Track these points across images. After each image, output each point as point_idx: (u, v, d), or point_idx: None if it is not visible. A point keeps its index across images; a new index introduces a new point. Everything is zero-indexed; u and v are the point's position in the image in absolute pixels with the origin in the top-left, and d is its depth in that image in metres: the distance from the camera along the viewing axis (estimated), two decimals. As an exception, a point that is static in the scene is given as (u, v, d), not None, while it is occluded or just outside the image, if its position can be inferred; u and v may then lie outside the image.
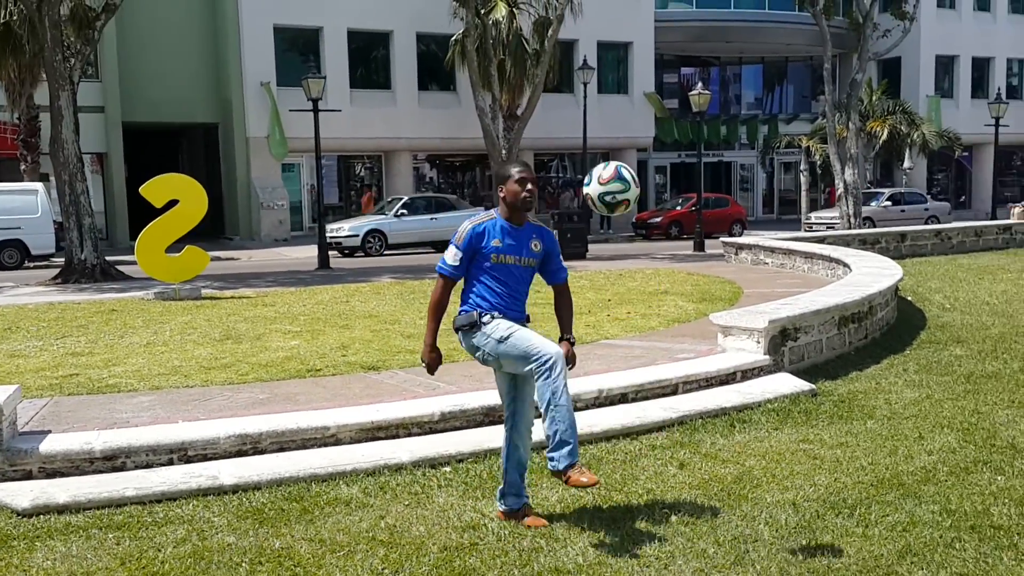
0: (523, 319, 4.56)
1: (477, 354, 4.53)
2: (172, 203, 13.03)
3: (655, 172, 40.63)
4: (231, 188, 31.20)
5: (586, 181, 4.55)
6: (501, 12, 27.03)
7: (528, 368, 4.30)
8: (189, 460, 5.44)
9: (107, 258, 18.65)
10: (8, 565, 4.11)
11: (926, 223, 29.26)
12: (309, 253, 23.04)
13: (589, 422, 6.17)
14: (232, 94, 30.33)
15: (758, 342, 7.68)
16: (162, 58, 29.89)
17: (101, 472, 5.25)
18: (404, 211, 25.92)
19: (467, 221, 4.53)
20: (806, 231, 29.29)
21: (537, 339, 4.34)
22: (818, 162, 34.85)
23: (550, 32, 23.09)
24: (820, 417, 6.59)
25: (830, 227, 28.29)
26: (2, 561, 4.16)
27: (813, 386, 7.30)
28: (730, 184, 42.31)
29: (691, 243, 24.62)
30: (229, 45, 30.26)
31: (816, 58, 38.02)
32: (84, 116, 19.83)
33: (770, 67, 43.01)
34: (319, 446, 5.72)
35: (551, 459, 4.33)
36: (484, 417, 6.18)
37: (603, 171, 4.51)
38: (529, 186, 4.46)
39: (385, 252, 25.20)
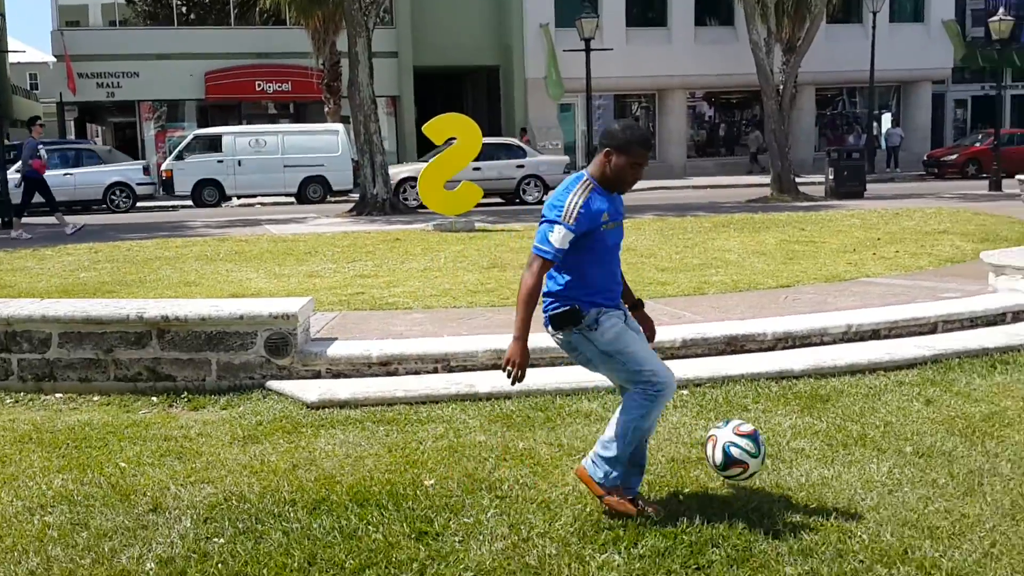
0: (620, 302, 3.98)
1: (575, 355, 3.95)
2: (451, 141, 13.94)
3: (955, 106, 37.67)
4: (510, 128, 32.37)
5: (720, 423, 4.07)
6: (782, -61, 25.94)
7: (629, 388, 3.87)
8: (451, 370, 6.05)
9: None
10: (296, 447, 4.86)
11: (520, 185, 23.05)
12: (581, 191, 23.62)
13: (833, 356, 6.18)
14: (513, 37, 31.32)
15: (1033, 283, 7.23)
16: (449, 5, 31.36)
17: (377, 376, 5.98)
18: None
19: (569, 194, 3.73)
20: None
21: (648, 357, 3.85)
22: None
23: (833, -42, 21.91)
24: (1095, 362, 6.17)
25: None
26: (291, 444, 4.91)
27: (1093, 331, 6.81)
28: (1040, 119, 38.42)
29: (987, 183, 22.82)
30: (511, -12, 31.22)
31: None
32: (379, 61, 21.34)
33: (1097, -13, 38.27)
34: (567, 364, 6.12)
35: (596, 464, 3.92)
36: (726, 346, 6.34)
37: (743, 425, 3.97)
38: (638, 177, 3.82)
39: None
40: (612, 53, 29.07)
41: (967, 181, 27.04)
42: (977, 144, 30.01)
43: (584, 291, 3.82)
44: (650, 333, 4.11)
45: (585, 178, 3.79)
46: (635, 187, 4.04)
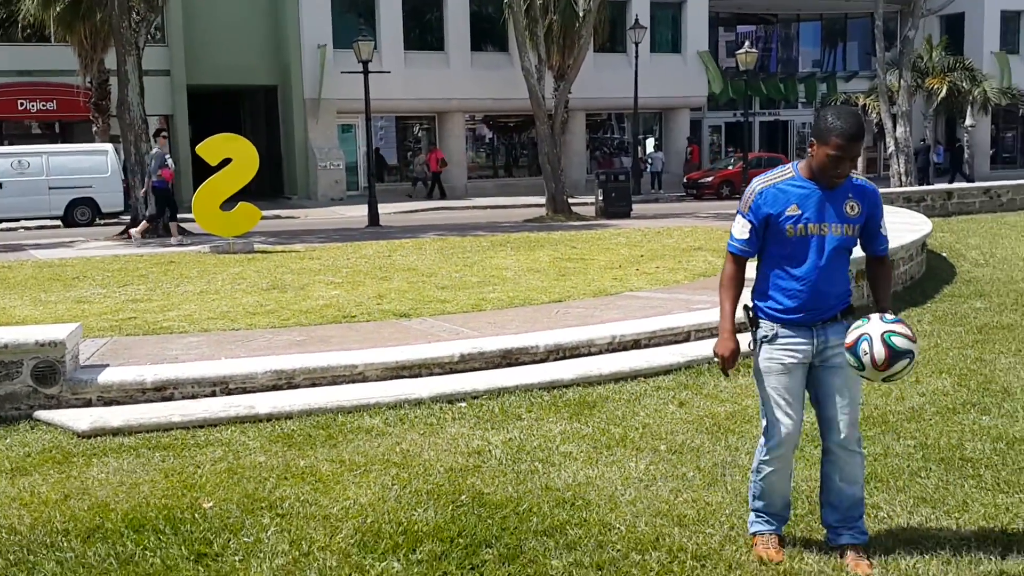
0: (828, 316, 3.48)
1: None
2: (226, 162, 13.68)
3: (710, 131, 40.46)
4: (290, 149, 31.94)
5: (859, 321, 3.41)
6: (551, -28, 27.11)
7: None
8: (230, 392, 6.02)
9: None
10: (68, 476, 4.72)
11: None
12: (363, 212, 23.63)
13: (599, 365, 6.61)
14: (291, 57, 30.94)
15: (771, 293, 8.00)
16: (225, 23, 30.54)
17: (152, 401, 5.86)
18: None
19: (756, 180, 3.52)
20: None
21: (777, 404, 3.51)
22: (874, 120, 34.47)
23: (596, -9, 23.10)
24: (823, 363, 6.92)
25: None
26: (63, 473, 4.77)
27: (823, 335, 7.60)
28: (786, 143, 41.95)
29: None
30: (288, 9, 30.80)
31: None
32: (150, 79, 20.52)
33: (829, 24, 42.32)
34: (348, 382, 6.24)
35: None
36: (502, 359, 6.65)
37: (885, 315, 3.38)
38: (839, 168, 3.34)
39: None
40: (391, 76, 29.28)
41: (722, 201, 29.05)
42: (730, 167, 32.37)
43: (762, 296, 3.55)
44: None
45: (785, 167, 3.49)
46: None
